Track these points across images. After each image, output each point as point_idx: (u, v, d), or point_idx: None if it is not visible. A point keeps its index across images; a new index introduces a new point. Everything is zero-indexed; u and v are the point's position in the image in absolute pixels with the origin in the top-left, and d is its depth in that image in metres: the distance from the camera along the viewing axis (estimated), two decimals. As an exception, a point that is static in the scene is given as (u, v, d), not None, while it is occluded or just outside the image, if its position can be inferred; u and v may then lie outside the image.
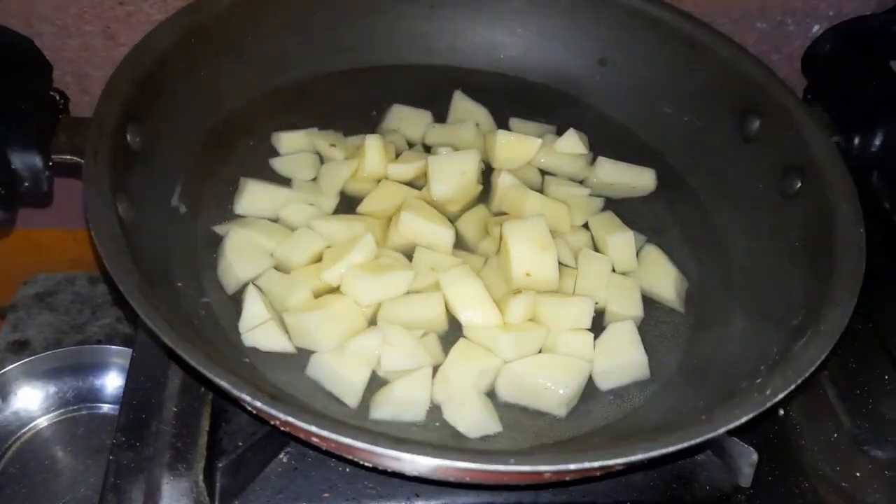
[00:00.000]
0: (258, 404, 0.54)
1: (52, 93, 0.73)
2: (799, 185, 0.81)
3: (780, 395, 0.58)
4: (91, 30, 1.08)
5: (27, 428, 1.05)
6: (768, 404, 0.58)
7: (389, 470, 0.63)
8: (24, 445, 1.04)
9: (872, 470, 0.80)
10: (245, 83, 0.90)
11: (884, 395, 0.86)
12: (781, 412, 0.84)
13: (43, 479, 1.02)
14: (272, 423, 0.59)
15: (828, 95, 0.85)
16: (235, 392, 0.55)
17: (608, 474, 0.68)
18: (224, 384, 0.55)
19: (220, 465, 0.69)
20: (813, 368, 0.61)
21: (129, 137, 0.74)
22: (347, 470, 0.73)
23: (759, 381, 0.62)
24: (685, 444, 0.54)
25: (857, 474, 0.80)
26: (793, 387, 0.59)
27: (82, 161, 0.68)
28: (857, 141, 0.82)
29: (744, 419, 0.57)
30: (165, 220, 0.78)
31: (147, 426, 0.75)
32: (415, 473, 0.59)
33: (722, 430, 0.56)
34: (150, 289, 0.61)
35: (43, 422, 1.06)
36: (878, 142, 0.81)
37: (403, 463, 0.55)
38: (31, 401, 1.06)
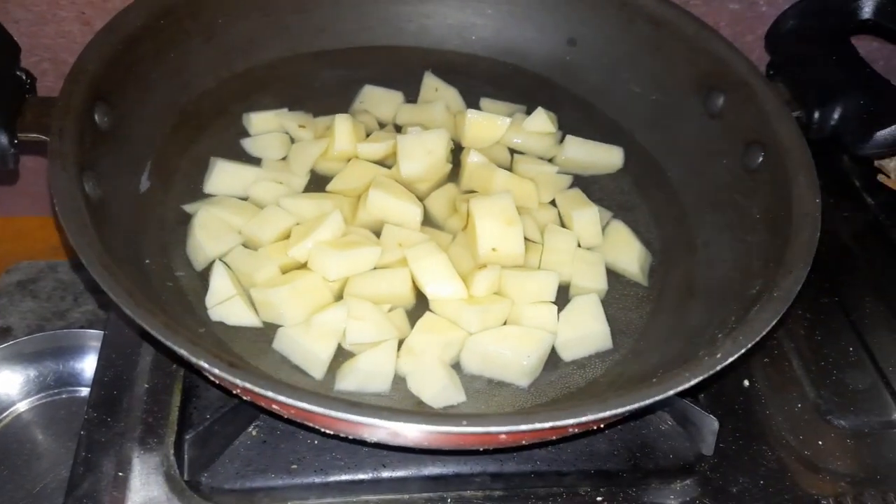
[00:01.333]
0: (216, 371, 0.55)
1: (18, 73, 0.74)
2: (761, 159, 0.82)
3: (730, 359, 0.60)
4: (67, 16, 1.09)
5: (8, 412, 1.06)
6: (718, 367, 0.59)
7: (350, 437, 0.64)
8: (5, 429, 1.05)
9: (835, 438, 0.82)
10: (215, 64, 0.91)
11: (847, 366, 0.88)
12: (747, 383, 0.85)
13: (24, 462, 1.03)
14: (234, 392, 0.61)
15: (789, 71, 0.86)
16: (194, 359, 0.56)
17: (565, 438, 0.70)
18: (183, 352, 0.56)
19: (187, 437, 0.70)
20: (763, 333, 0.62)
21: (96, 117, 0.75)
22: (316, 442, 0.74)
23: (714, 346, 0.64)
24: (634, 406, 0.56)
25: (820, 443, 0.81)
26: (742, 351, 0.60)
27: (48, 139, 0.69)
28: (816, 116, 0.83)
29: (693, 381, 0.58)
30: (134, 199, 0.79)
31: (119, 402, 0.76)
32: (375, 439, 0.60)
33: (671, 392, 0.57)
34: (113, 263, 0.62)
35: (23, 406, 1.07)
36: (836, 116, 0.82)
37: (363, 427, 0.56)
38: (12, 385, 1.07)
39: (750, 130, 0.83)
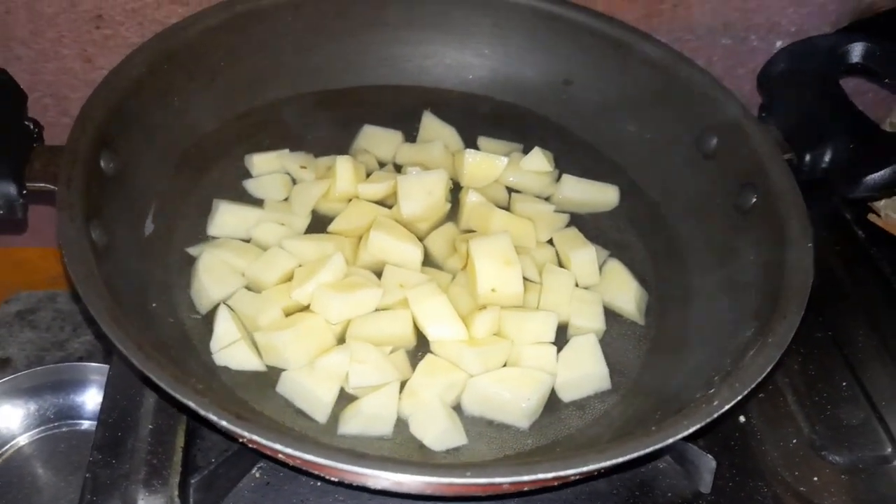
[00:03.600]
0: (224, 423, 0.56)
1: (26, 122, 0.75)
2: (753, 200, 0.83)
3: (727, 407, 0.61)
4: (69, 53, 1.10)
5: (8, 446, 1.06)
6: (715, 415, 0.61)
7: (354, 484, 0.65)
8: (6, 463, 1.06)
9: (830, 474, 0.83)
10: (218, 106, 0.92)
11: (842, 401, 0.89)
12: (742, 419, 0.86)
13: (25, 496, 1.03)
14: (240, 440, 0.61)
15: (781, 113, 0.88)
16: (202, 412, 0.57)
17: (566, 484, 0.71)
18: (191, 404, 0.57)
19: (193, 480, 0.71)
20: (759, 380, 0.63)
21: (102, 164, 0.76)
22: (318, 485, 0.75)
23: (711, 391, 0.65)
24: (634, 455, 0.57)
25: (815, 479, 0.83)
26: (739, 398, 0.62)
27: (56, 188, 0.70)
28: (807, 158, 0.85)
29: (692, 429, 0.59)
30: (139, 243, 0.80)
31: (123, 443, 0.77)
32: (378, 487, 0.61)
33: (670, 441, 0.58)
34: (120, 312, 0.64)
35: (24, 439, 1.07)
36: (827, 159, 0.84)
37: (366, 478, 0.57)
38: (12, 419, 1.08)
39: (743, 172, 0.85)
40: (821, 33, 1.16)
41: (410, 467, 0.55)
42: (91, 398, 1.10)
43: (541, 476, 0.55)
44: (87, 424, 1.10)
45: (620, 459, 0.56)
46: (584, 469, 0.56)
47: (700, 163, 0.90)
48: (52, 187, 0.71)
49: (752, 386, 0.63)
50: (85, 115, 0.76)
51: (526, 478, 0.55)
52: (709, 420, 0.60)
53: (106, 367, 1.05)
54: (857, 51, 0.90)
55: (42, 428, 1.09)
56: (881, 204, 1.02)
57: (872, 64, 0.90)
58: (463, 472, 0.55)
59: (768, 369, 0.64)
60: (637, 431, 0.60)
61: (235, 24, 0.93)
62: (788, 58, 0.91)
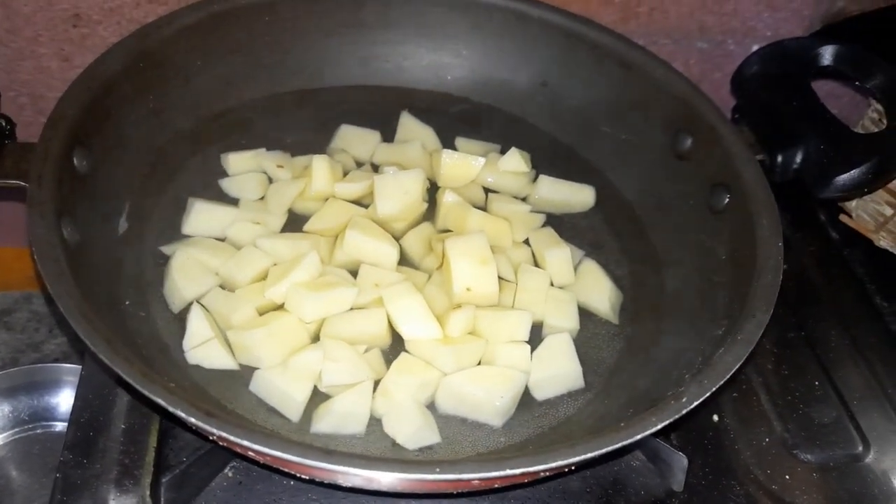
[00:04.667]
0: (193, 420, 0.56)
1: (-2, 119, 0.75)
2: (726, 201, 0.84)
3: (695, 404, 0.61)
4: (46, 52, 1.10)
5: (-19, 448, 1.06)
6: (683, 412, 0.61)
7: (326, 482, 0.65)
8: (-21, 465, 1.05)
9: (801, 473, 0.84)
10: (193, 105, 0.92)
11: (813, 400, 0.90)
12: (716, 418, 0.87)
13: (-2, 499, 1.03)
14: (210, 438, 0.61)
15: (753, 115, 0.89)
16: (171, 409, 0.57)
17: (538, 480, 0.71)
18: (161, 401, 0.57)
19: (164, 480, 0.71)
20: (727, 376, 0.64)
21: (75, 161, 0.75)
22: (291, 483, 0.75)
23: (680, 389, 0.65)
24: (601, 451, 0.57)
25: (787, 477, 0.83)
26: (707, 395, 0.62)
27: (27, 185, 0.70)
28: (779, 159, 0.85)
29: (659, 426, 0.60)
30: (112, 241, 0.79)
31: (95, 443, 0.76)
32: (349, 485, 0.61)
33: (638, 437, 0.59)
34: (92, 309, 0.63)
35: (-3, 441, 1.07)
36: (798, 160, 0.85)
37: (335, 475, 0.57)
38: (-14, 421, 1.07)
39: (716, 173, 0.86)
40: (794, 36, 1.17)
41: (379, 463, 0.55)
42: (65, 399, 1.10)
43: (509, 472, 0.55)
44: (61, 426, 1.09)
45: (587, 456, 0.57)
46: (552, 465, 0.56)
47: (674, 163, 0.91)
48: (24, 184, 0.71)
49: (720, 383, 0.63)
50: (58, 112, 0.75)
51: (494, 474, 0.55)
52: (677, 417, 0.61)
53: (80, 367, 1.05)
54: (828, 54, 0.91)
55: (16, 430, 1.08)
56: (853, 205, 1.04)
57: (844, 67, 0.91)
58: (432, 469, 0.55)
59: (736, 367, 0.65)
60: (606, 428, 0.60)
61: (211, 24, 0.92)
62: (761, 60, 0.92)
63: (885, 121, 0.90)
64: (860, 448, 0.86)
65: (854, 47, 0.90)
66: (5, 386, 1.07)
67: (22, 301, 1.32)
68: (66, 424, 1.07)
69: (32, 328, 1.29)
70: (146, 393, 0.57)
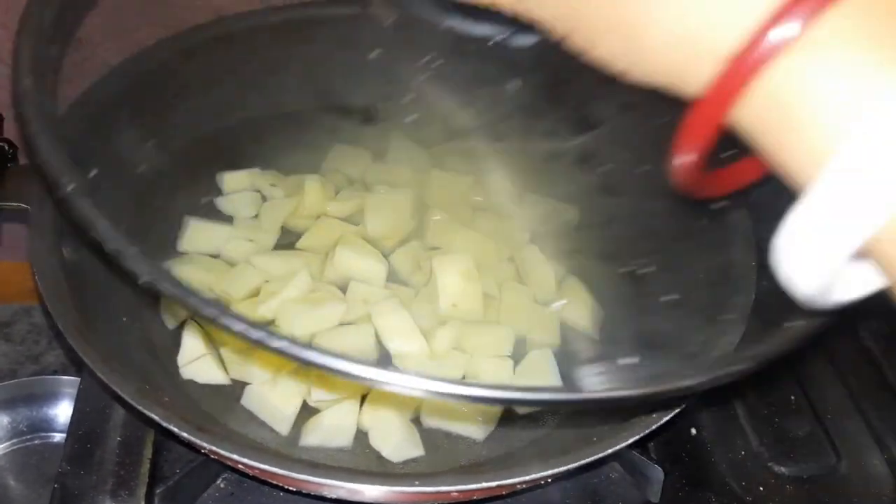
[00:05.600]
0: (185, 435, 0.59)
1: (1, 143, 0.78)
2: (705, 220, 0.87)
3: (665, 419, 0.64)
4: (46, 72, 1.12)
5: (-20, 459, 1.08)
6: (654, 426, 0.64)
7: (313, 494, 0.68)
8: (-22, 476, 1.07)
9: (775, 485, 0.86)
10: (189, 125, 0.95)
11: (789, 413, 0.93)
12: (693, 431, 0.90)
13: (-4, 509, 1.05)
14: (202, 452, 0.64)
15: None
16: (164, 424, 0.60)
17: (515, 492, 0.74)
18: (154, 417, 0.60)
19: (158, 491, 0.73)
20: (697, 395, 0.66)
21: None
22: (280, 495, 0.77)
23: (654, 404, 0.68)
24: (575, 465, 0.60)
25: (761, 489, 0.86)
26: (678, 410, 0.65)
27: (29, 208, 0.73)
28: (756, 181, 0.88)
29: (630, 440, 0.63)
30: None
31: (92, 455, 0.79)
32: (334, 496, 0.64)
33: (609, 451, 0.62)
34: (89, 327, 0.66)
35: (-4, 452, 1.09)
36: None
37: (321, 487, 0.60)
38: (-15, 432, 1.09)
39: (694, 193, 0.89)
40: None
41: (361, 476, 0.58)
42: (63, 411, 1.12)
43: (484, 485, 0.58)
44: (59, 437, 1.11)
45: (561, 469, 0.60)
46: (527, 478, 0.59)
47: (655, 184, 0.94)
48: (26, 206, 0.74)
49: (690, 402, 0.66)
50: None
51: (472, 486, 0.58)
52: (648, 431, 0.63)
53: (78, 380, 1.07)
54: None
55: (14, 440, 1.10)
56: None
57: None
58: (411, 482, 0.58)
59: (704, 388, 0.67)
60: (580, 442, 0.63)
61: (209, 47, 0.95)
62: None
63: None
64: (833, 460, 0.89)
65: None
66: (5, 397, 1.09)
67: (21, 313, 1.34)
68: (63, 435, 1.10)
69: (32, 340, 1.31)
70: (140, 408, 0.60)
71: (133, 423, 0.81)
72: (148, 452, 0.79)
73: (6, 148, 0.77)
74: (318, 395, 0.77)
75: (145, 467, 0.78)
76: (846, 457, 0.89)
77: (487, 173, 1.00)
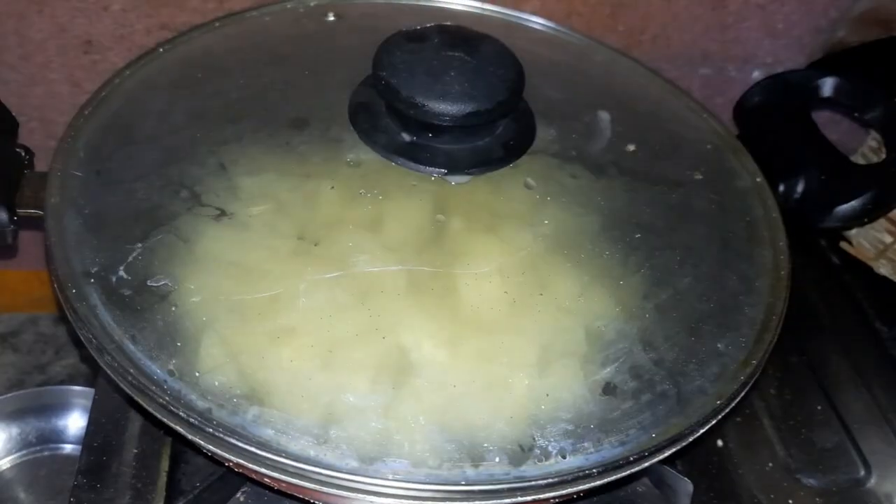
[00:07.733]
0: (211, 447, 0.57)
1: (17, 149, 0.76)
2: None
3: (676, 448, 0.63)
4: (57, 78, 1.11)
5: (-11, 470, 1.07)
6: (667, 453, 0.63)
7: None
8: (-14, 488, 1.05)
9: (804, 497, 0.85)
10: (199, 132, 0.93)
11: (816, 425, 0.92)
12: (720, 443, 0.89)
13: (4, 521, 1.03)
14: (226, 464, 0.62)
15: (755, 145, 0.91)
16: (190, 436, 0.58)
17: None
18: (181, 430, 0.58)
19: (176, 505, 0.72)
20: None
21: (90, 188, 0.77)
22: (302, 508, 0.76)
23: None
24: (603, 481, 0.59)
25: (790, 501, 0.85)
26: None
27: (43, 214, 0.71)
28: (781, 189, 0.87)
29: (666, 454, 0.61)
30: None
31: (107, 468, 0.77)
32: (362, 511, 0.62)
33: (643, 466, 0.60)
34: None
35: (5, 464, 1.07)
36: (800, 189, 0.87)
37: (348, 501, 0.58)
38: (-6, 443, 1.08)
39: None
40: (795, 64, 1.20)
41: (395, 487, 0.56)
42: (73, 422, 1.10)
43: (520, 499, 0.56)
44: (69, 448, 1.10)
45: (595, 483, 0.58)
46: (562, 493, 0.57)
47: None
48: (42, 213, 0.72)
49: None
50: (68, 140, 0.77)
51: (508, 501, 0.56)
52: (683, 445, 0.62)
53: (88, 390, 1.06)
54: (828, 85, 0.93)
55: (23, 452, 1.09)
56: (853, 233, 1.05)
57: (843, 98, 0.93)
58: (457, 482, 0.56)
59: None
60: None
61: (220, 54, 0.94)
62: (763, 92, 0.94)
63: (883, 150, 0.92)
64: (862, 472, 0.88)
65: (854, 79, 0.93)
66: (14, 408, 1.08)
67: (28, 323, 1.33)
68: (73, 447, 1.09)
69: (39, 350, 1.29)
70: (168, 422, 0.58)
71: (149, 435, 0.80)
72: (164, 465, 0.77)
73: (23, 154, 0.75)
74: (340, 405, 0.75)
75: (162, 480, 0.76)
76: (875, 468, 0.87)
77: (506, 178, 0.98)
